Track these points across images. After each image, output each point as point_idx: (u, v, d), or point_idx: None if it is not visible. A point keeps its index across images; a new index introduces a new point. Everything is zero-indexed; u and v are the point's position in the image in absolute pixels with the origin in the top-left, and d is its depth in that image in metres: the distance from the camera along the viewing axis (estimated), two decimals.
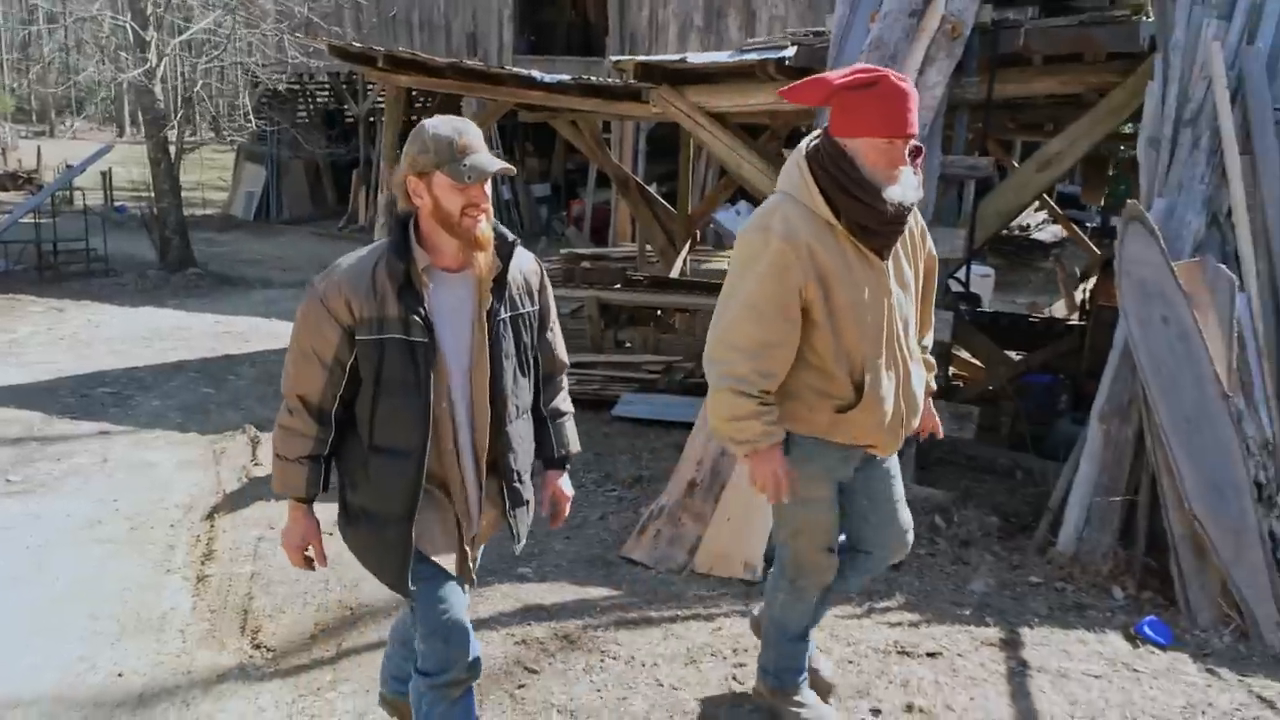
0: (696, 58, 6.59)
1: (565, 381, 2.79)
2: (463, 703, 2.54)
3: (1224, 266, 4.46)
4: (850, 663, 3.53)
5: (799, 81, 2.75)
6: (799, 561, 2.97)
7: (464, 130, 2.34)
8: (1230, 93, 4.91)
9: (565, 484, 2.80)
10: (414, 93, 17.95)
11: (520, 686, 3.44)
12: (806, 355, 2.69)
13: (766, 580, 3.20)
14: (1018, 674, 3.50)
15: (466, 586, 2.58)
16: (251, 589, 4.37)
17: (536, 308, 2.59)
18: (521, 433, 2.58)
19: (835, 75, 2.62)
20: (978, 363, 8.19)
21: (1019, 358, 8.12)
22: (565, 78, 8.01)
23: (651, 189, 11.59)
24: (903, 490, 3.03)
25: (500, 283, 2.44)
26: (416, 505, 2.39)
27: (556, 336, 2.71)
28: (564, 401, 2.77)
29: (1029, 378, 7.17)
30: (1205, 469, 4.11)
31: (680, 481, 4.64)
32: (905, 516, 3.03)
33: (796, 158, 2.70)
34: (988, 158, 5.56)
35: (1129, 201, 4.55)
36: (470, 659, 2.50)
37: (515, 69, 8.40)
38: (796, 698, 3.12)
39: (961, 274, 7.19)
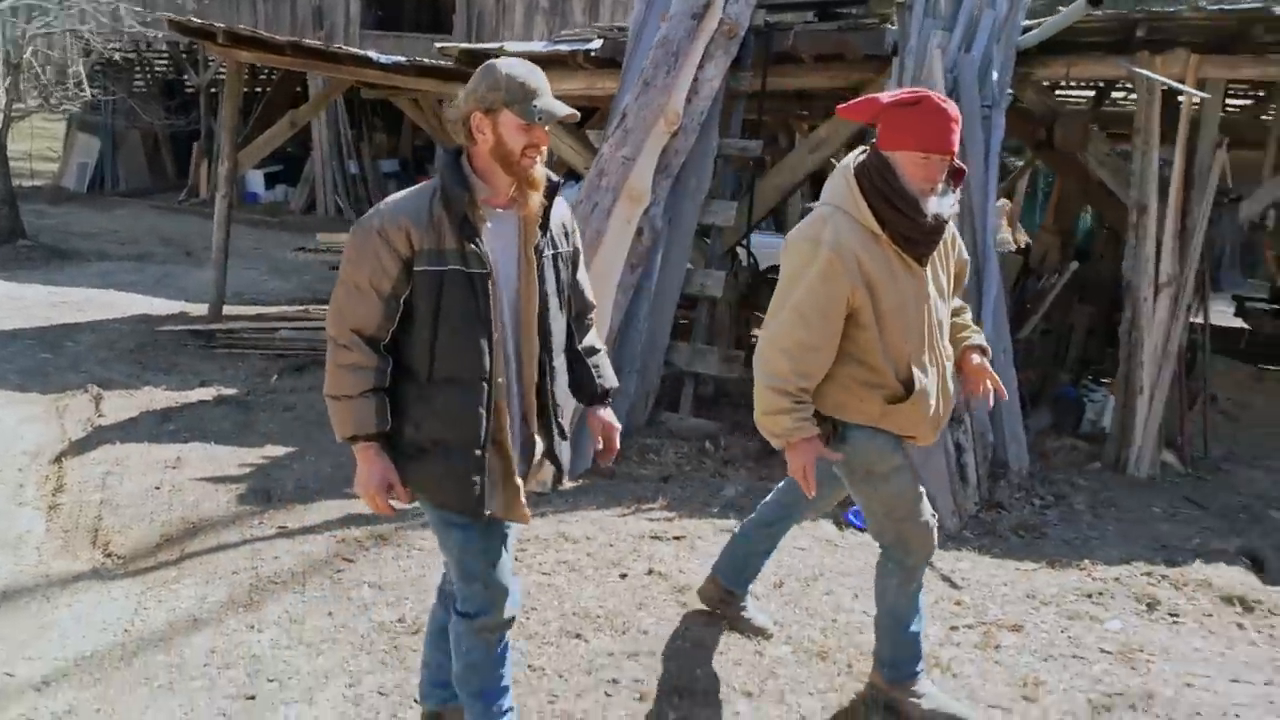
0: (514, 46, 7.31)
1: (595, 319, 2.87)
2: (499, 649, 2.63)
3: None
4: (610, 545, 4.38)
5: (854, 100, 2.93)
6: (902, 539, 3.06)
7: (534, 72, 2.41)
8: (948, 91, 5.94)
9: (611, 416, 2.84)
10: (256, 65, 17.98)
11: (338, 571, 4.15)
12: (856, 355, 2.84)
13: (875, 576, 3.25)
14: None
15: (514, 527, 2.61)
16: (101, 513, 4.90)
17: (572, 248, 2.67)
18: (561, 368, 2.65)
19: (886, 95, 2.82)
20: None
21: None
22: (401, 59, 8.57)
23: None
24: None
25: (545, 221, 2.51)
26: (489, 430, 2.43)
27: (585, 277, 2.79)
28: (597, 339, 2.85)
29: None
30: None
31: None
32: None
33: (844, 172, 2.86)
34: (758, 140, 6.46)
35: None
36: (510, 603, 2.58)
37: (352, 49, 8.87)
38: (915, 688, 3.18)
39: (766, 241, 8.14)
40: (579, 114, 2.52)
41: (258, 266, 12.77)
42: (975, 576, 4.37)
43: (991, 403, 3.13)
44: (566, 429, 2.68)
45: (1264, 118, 8.08)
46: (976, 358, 3.11)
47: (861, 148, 2.91)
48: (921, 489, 3.06)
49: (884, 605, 3.19)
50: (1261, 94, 8.51)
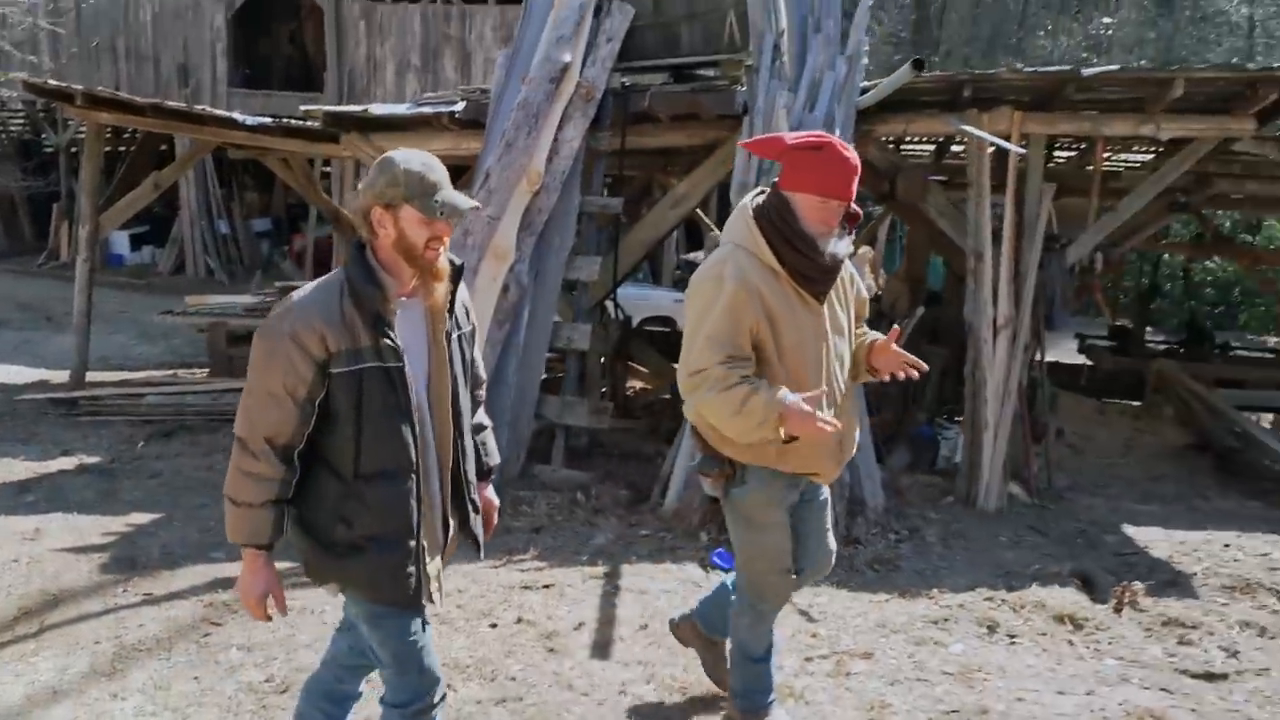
0: (378, 109, 7.44)
1: (484, 395, 2.90)
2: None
3: None
4: (481, 596, 4.48)
5: (759, 138, 3.07)
6: (758, 585, 3.17)
7: (432, 165, 2.42)
8: None
9: (492, 494, 2.88)
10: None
11: (206, 635, 4.14)
12: None
13: (731, 608, 3.35)
14: (610, 594, 4.58)
15: (431, 605, 2.59)
16: None
17: (471, 326, 2.69)
18: (470, 446, 2.68)
19: (790, 136, 2.90)
20: (644, 370, 9.46)
21: None
22: (267, 120, 8.61)
23: None
24: (830, 516, 3.31)
25: (451, 304, 2.54)
26: (420, 519, 2.45)
27: (480, 354, 2.81)
28: (484, 416, 2.86)
29: None
30: None
31: None
32: (831, 539, 3.30)
33: (744, 212, 2.93)
34: (619, 198, 6.72)
35: (709, 234, 5.80)
36: (441, 684, 2.60)
37: (216, 111, 8.86)
38: (768, 717, 3.32)
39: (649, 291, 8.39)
40: (480, 206, 2.63)
41: (124, 331, 12.46)
42: (832, 609, 4.60)
43: (916, 375, 3.01)
44: (478, 503, 2.72)
45: (1088, 168, 8.72)
46: (881, 344, 3.07)
47: (760, 188, 3.01)
48: (789, 546, 3.12)
49: (736, 640, 3.32)
50: (1084, 146, 9.19)
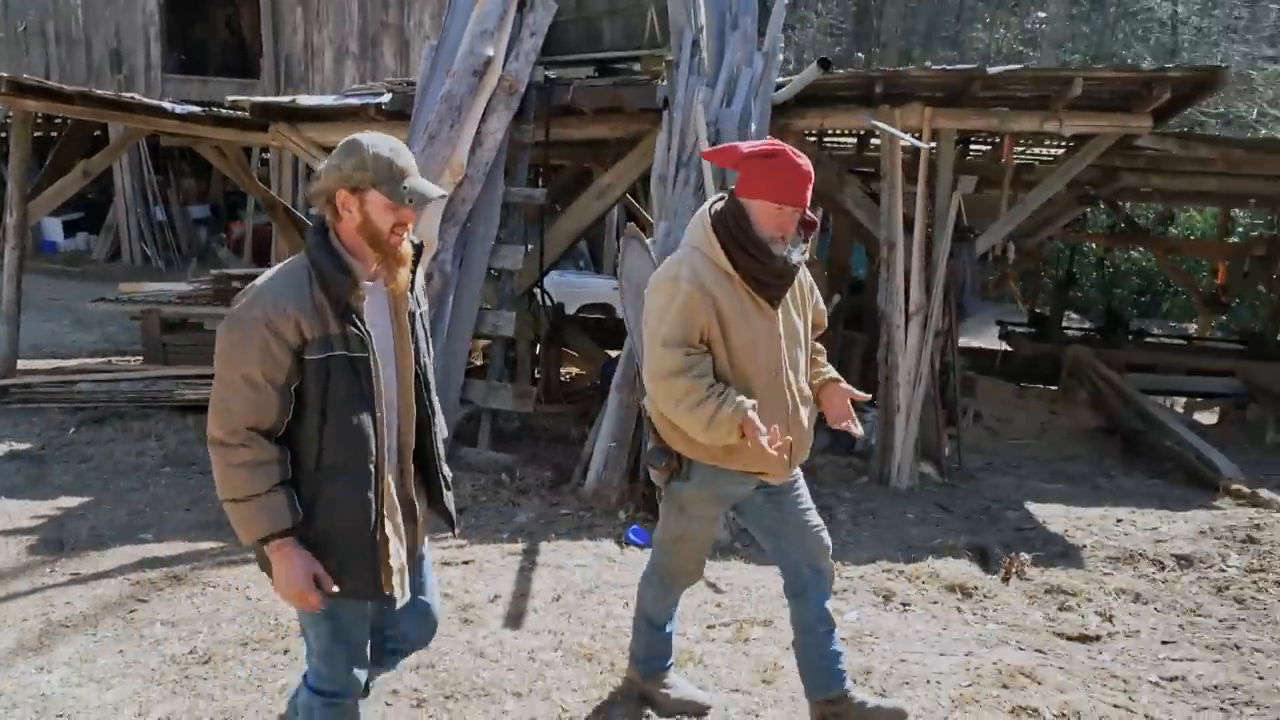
0: (306, 100, 7.53)
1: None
2: (353, 712, 2.66)
3: None
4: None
5: (718, 147, 3.22)
6: (672, 566, 3.37)
7: (400, 150, 2.41)
8: (711, 143, 6.51)
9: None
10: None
11: (131, 612, 4.28)
12: None
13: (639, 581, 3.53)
14: (527, 569, 4.79)
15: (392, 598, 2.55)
16: None
17: (425, 306, 2.70)
18: (440, 422, 2.69)
19: (746, 145, 3.02)
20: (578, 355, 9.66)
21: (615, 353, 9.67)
22: (197, 109, 8.64)
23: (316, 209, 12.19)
24: (811, 504, 3.33)
25: (411, 285, 2.55)
26: (378, 512, 2.44)
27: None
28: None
29: (609, 365, 8.66)
30: None
31: None
32: (816, 522, 3.31)
33: (703, 216, 3.06)
34: (542, 189, 6.90)
35: (629, 224, 6.01)
36: (365, 680, 2.63)
37: (145, 99, 8.86)
38: (666, 680, 3.55)
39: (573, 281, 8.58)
40: (448, 192, 2.65)
41: (58, 319, 12.38)
42: (739, 581, 4.85)
43: (859, 432, 3.21)
44: (449, 478, 2.73)
45: (1003, 161, 9.06)
46: (832, 392, 3.22)
47: (720, 194, 3.12)
48: (710, 542, 3.37)
49: (641, 608, 3.51)
50: (998, 140, 9.53)
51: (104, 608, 4.30)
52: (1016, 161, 10.36)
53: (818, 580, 3.29)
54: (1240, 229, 15.63)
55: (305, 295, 2.34)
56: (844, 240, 10.65)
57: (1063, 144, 9.28)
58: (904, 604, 4.66)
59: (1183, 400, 10.84)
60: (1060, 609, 4.68)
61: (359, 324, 2.38)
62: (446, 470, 2.72)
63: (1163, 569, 5.32)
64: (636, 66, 7.23)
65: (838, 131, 9.24)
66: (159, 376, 8.62)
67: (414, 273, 2.55)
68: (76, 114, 8.96)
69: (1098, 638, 4.38)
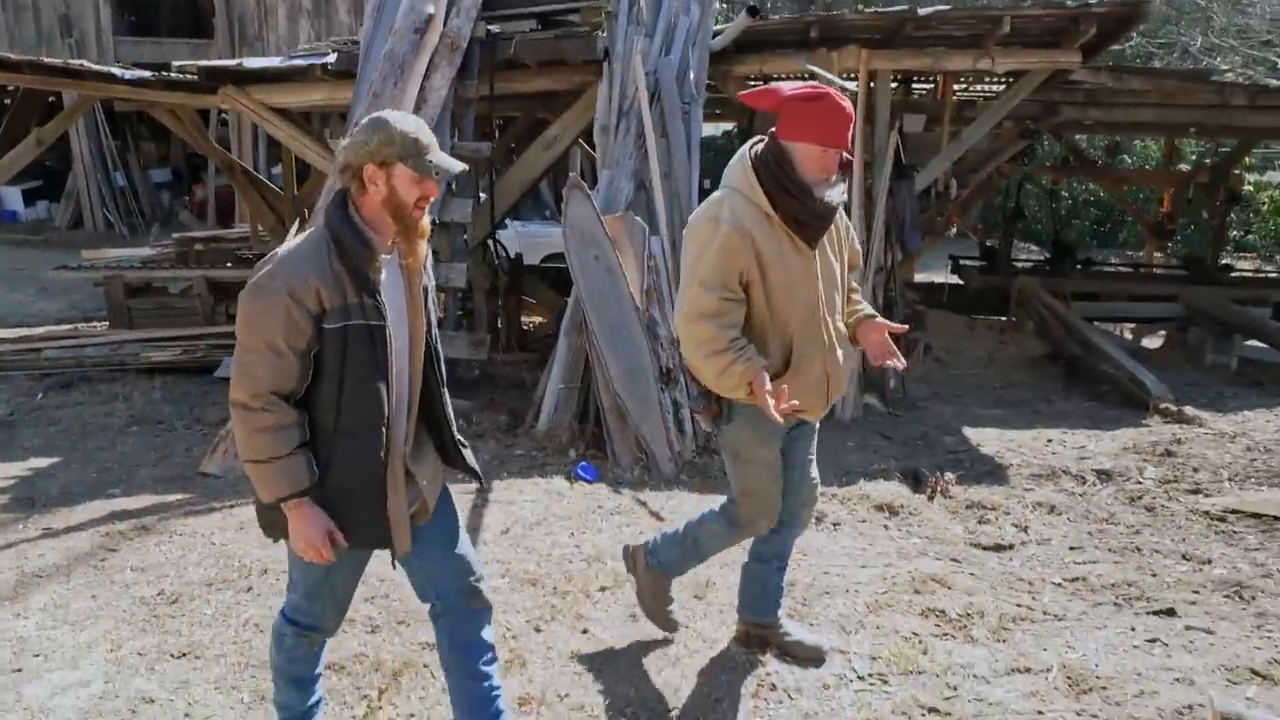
0: (252, 62, 7.61)
1: None
2: (320, 650, 2.91)
3: (639, 219, 6.22)
4: None
5: (755, 89, 3.09)
6: (742, 518, 3.36)
7: (423, 128, 2.52)
8: (651, 93, 6.69)
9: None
10: None
11: (102, 560, 4.52)
12: (745, 330, 3.04)
13: (705, 514, 3.56)
14: (480, 506, 5.06)
15: (394, 550, 2.68)
16: None
17: (432, 280, 2.76)
18: (445, 391, 2.77)
19: (788, 87, 2.99)
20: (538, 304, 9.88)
21: None
22: (146, 74, 8.69)
23: (279, 169, 12.19)
24: (814, 454, 3.45)
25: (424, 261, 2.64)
26: (387, 471, 2.57)
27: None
28: None
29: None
30: (624, 361, 5.85)
31: None
32: (814, 474, 3.46)
33: (742, 158, 3.06)
34: (488, 142, 7.06)
35: (570, 174, 6.20)
36: (333, 626, 2.83)
37: (93, 66, 8.88)
38: (664, 585, 3.69)
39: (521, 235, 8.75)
40: (469, 167, 2.73)
41: (23, 289, 12.46)
42: (682, 509, 5.12)
43: (903, 364, 3.22)
44: (463, 440, 2.82)
45: (947, 98, 9.28)
46: (869, 329, 3.24)
47: (759, 136, 3.10)
48: (776, 488, 3.27)
49: (697, 533, 3.55)
50: (938, 78, 9.74)
51: (76, 558, 4.54)
52: (960, 99, 10.59)
53: (793, 525, 3.47)
54: (1193, 156, 15.95)
55: (325, 266, 2.43)
56: None
57: (1002, 80, 9.48)
58: (835, 524, 4.96)
59: (1132, 326, 11.17)
60: (979, 522, 4.99)
61: (376, 295, 2.48)
62: (459, 435, 2.82)
63: (1083, 483, 5.65)
64: (577, 19, 7.36)
65: (780, 76, 9.39)
66: (125, 341, 8.79)
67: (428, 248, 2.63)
68: (26, 83, 8.98)
69: (1011, 546, 4.70)
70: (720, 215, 3.01)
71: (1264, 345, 9.17)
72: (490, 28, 7.11)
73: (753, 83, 9.02)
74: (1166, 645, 3.69)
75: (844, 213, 3.23)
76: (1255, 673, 3.44)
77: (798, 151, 2.96)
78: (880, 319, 3.29)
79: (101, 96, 9.43)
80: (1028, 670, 3.51)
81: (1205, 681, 3.39)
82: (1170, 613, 3.96)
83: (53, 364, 8.35)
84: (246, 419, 2.45)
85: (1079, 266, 12.09)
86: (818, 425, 3.43)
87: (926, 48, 7.42)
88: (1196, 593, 4.18)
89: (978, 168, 10.38)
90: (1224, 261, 12.05)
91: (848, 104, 2.95)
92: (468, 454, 2.85)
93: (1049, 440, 6.58)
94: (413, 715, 3.31)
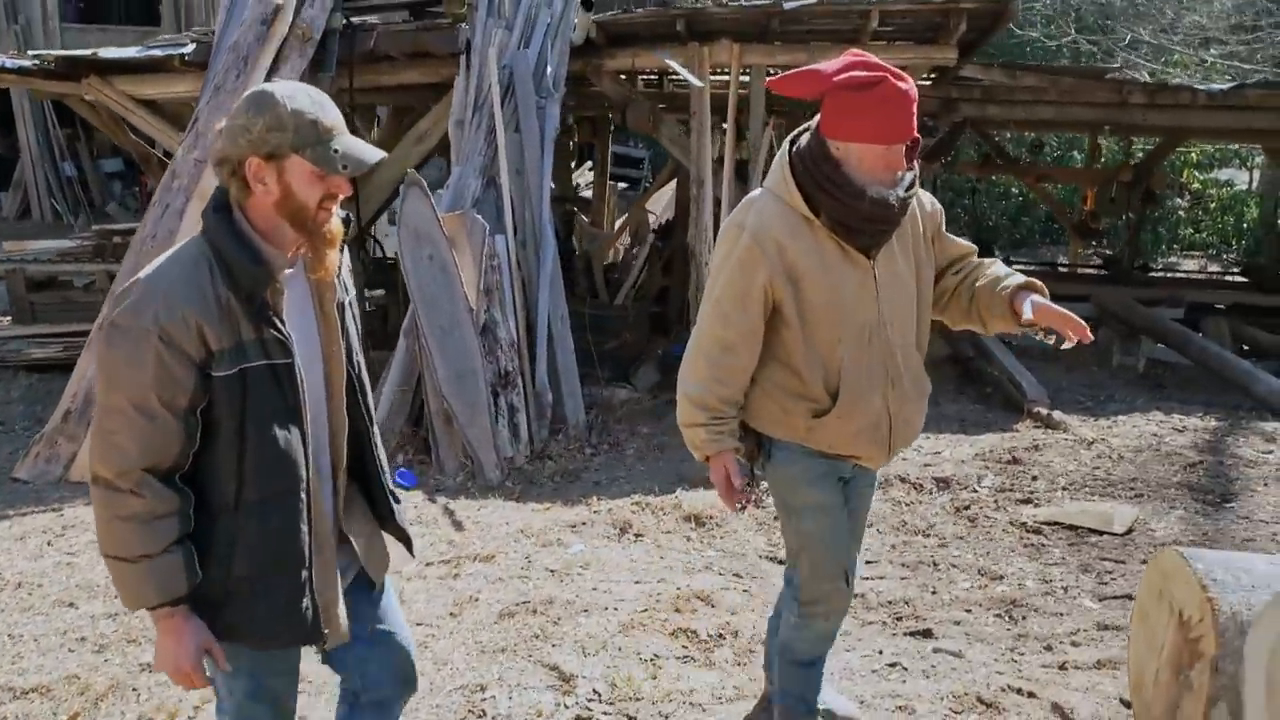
0: (109, 52, 7.46)
1: None
2: None
3: (479, 216, 6.09)
4: None
5: (791, 72, 2.50)
6: (803, 592, 2.72)
7: (324, 104, 1.92)
8: (506, 86, 6.56)
9: None
10: None
11: None
12: (780, 357, 2.56)
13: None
14: None
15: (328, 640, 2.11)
16: None
17: (354, 292, 2.22)
18: (376, 431, 2.24)
19: (831, 68, 2.39)
20: None
21: None
22: (26, 63, 8.53)
23: None
24: (868, 505, 2.90)
25: (338, 271, 2.08)
26: (312, 545, 2.02)
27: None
28: None
29: None
30: (453, 363, 5.73)
31: (59, 411, 5.71)
32: (860, 528, 2.91)
33: (782, 153, 2.56)
34: None
35: (408, 171, 6.07)
36: None
37: None
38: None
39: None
40: (385, 154, 2.09)
41: None
42: (488, 519, 5.01)
43: (1090, 337, 2.56)
44: (397, 494, 2.29)
45: None
46: (1038, 301, 2.59)
47: (805, 125, 2.56)
48: (841, 542, 2.69)
49: (782, 630, 2.92)
50: None
51: None
52: None
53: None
54: (1139, 155, 15.79)
55: (208, 294, 1.86)
56: (668, 179, 10.74)
57: None
58: (637, 535, 4.83)
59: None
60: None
61: (279, 324, 1.93)
62: (392, 485, 2.27)
63: (920, 491, 5.51)
64: (440, 10, 7.23)
65: (652, 71, 9.23)
66: (9, 337, 8.68)
67: (342, 253, 2.06)
68: None
69: None
70: (745, 221, 2.52)
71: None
72: (352, 19, 6.98)
73: (624, 77, 8.88)
74: (906, 670, 3.56)
75: (922, 200, 2.63)
76: (981, 701, 3.31)
77: (854, 153, 2.39)
78: (1040, 286, 2.63)
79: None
80: (752, 697, 3.38)
81: (925, 710, 3.27)
82: (927, 634, 3.84)
83: None
84: (109, 502, 1.87)
85: None
86: (874, 478, 2.85)
87: (805, 42, 7.29)
88: (969, 611, 4.06)
89: None
90: (1140, 262, 11.93)
91: (909, 84, 2.36)
92: (400, 514, 2.27)
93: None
94: None
